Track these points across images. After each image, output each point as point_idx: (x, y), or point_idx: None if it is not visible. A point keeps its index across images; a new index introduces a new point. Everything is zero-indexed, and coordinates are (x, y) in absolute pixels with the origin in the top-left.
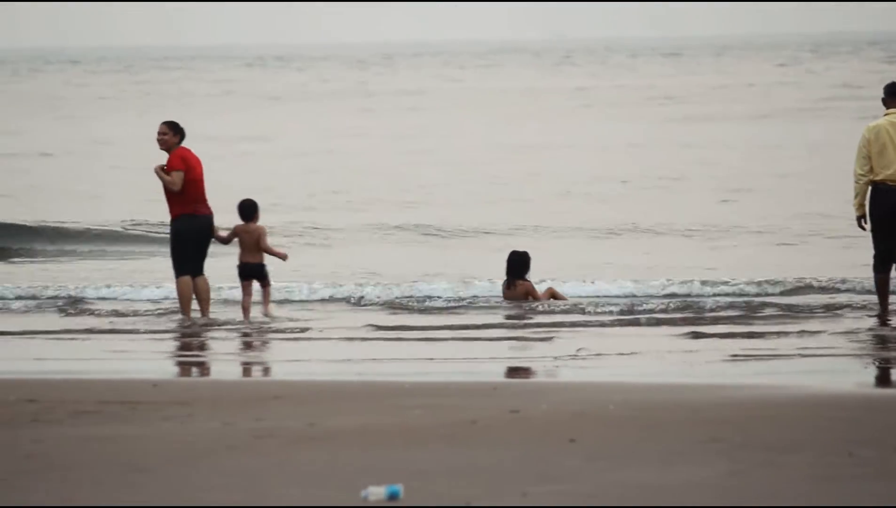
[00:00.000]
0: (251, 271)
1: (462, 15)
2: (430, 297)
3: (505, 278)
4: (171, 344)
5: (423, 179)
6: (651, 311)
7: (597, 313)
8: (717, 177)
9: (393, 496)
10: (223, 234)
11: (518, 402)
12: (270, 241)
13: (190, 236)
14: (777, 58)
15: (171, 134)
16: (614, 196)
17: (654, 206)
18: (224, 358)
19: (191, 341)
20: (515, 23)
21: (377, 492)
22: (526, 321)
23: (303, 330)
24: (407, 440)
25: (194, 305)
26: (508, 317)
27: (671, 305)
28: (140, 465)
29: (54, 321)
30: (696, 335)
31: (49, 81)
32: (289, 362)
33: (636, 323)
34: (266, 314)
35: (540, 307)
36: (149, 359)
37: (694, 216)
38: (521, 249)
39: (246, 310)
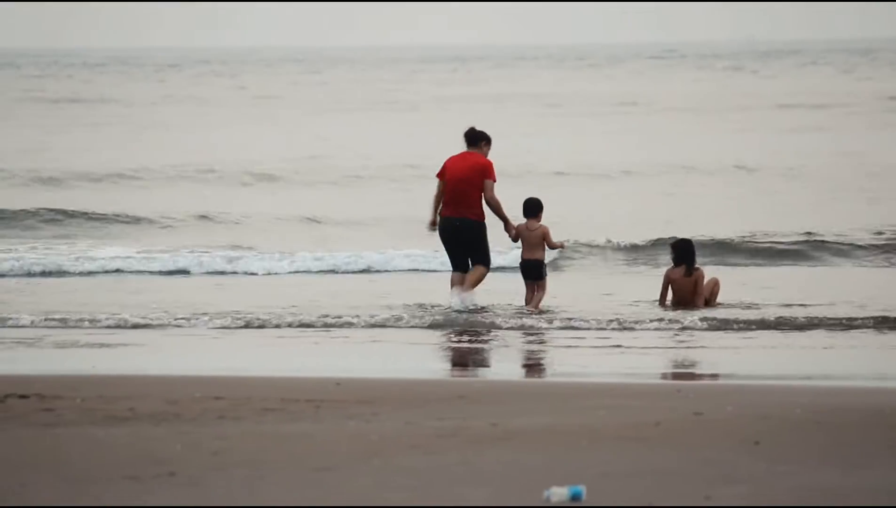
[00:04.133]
0: (531, 268)
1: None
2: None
3: (676, 264)
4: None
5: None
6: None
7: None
8: None
9: (576, 496)
10: (511, 232)
11: (702, 405)
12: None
13: (441, 236)
14: None
15: None
16: None
17: None
18: (421, 354)
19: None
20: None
21: (560, 493)
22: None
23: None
24: (590, 441)
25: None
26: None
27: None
28: (324, 463)
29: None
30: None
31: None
32: (484, 363)
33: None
34: (533, 310)
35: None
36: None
37: None
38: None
39: (527, 304)
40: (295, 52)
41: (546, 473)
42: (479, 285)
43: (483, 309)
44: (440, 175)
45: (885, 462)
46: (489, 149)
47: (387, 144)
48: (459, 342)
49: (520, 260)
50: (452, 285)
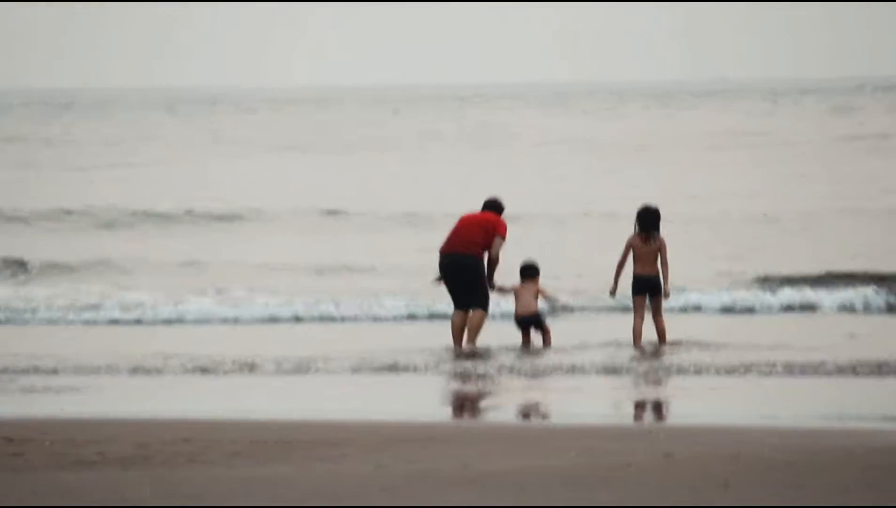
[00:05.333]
0: (527, 321)
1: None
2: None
3: (640, 231)
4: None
5: None
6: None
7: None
8: None
9: None
10: (505, 286)
11: (672, 446)
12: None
13: (442, 273)
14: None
15: None
16: None
17: None
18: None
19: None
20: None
21: None
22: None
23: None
24: (562, 483)
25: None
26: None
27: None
28: (294, 506)
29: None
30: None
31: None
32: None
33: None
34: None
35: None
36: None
37: None
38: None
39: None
40: (242, 93)
41: None
42: (481, 332)
43: (468, 352)
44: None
45: (855, 503)
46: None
47: (304, 187)
48: (433, 384)
49: (515, 315)
50: (454, 326)
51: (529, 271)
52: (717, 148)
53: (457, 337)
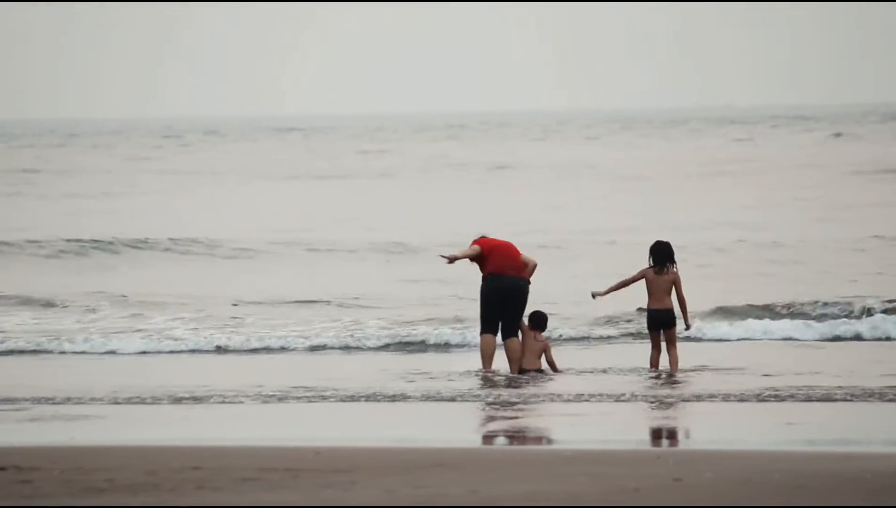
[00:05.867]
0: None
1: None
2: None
3: (653, 265)
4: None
5: None
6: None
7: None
8: None
9: None
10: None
11: (681, 470)
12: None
13: (494, 296)
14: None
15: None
16: None
17: None
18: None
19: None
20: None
21: None
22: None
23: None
24: None
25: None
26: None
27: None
28: None
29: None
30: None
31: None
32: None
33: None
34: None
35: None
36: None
37: None
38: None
39: None
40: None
41: None
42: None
43: (476, 374)
44: (480, 243)
45: None
46: None
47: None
48: (439, 410)
49: (520, 367)
50: (486, 349)
51: (539, 323)
52: (720, 175)
53: (487, 360)
